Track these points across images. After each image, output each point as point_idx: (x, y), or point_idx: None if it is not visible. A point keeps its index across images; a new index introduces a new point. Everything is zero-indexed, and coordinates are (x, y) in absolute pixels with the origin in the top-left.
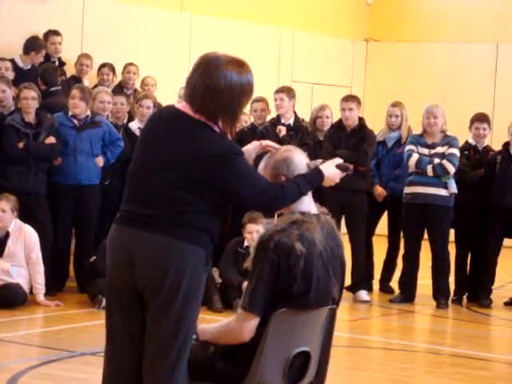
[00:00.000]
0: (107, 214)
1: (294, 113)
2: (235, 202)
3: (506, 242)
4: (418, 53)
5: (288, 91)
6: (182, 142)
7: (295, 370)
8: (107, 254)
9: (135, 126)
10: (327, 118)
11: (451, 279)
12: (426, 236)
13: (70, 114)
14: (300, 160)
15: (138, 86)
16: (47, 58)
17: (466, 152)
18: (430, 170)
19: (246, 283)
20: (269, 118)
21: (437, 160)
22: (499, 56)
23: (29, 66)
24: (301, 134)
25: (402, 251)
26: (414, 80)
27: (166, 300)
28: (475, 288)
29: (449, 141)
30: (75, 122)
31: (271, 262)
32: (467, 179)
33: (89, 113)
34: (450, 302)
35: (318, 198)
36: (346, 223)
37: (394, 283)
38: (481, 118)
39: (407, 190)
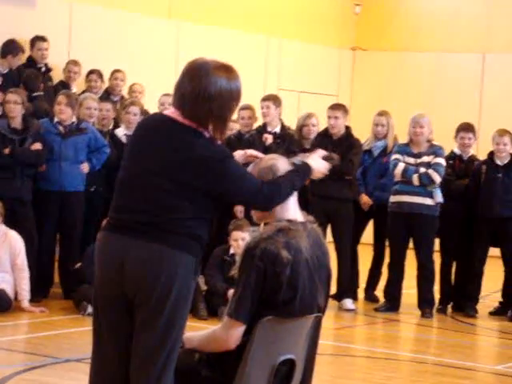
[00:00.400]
0: (92, 220)
1: (281, 121)
2: (232, 203)
3: (492, 251)
4: (404, 62)
5: (274, 99)
6: (171, 147)
7: (280, 378)
8: (96, 261)
9: (121, 132)
10: (313, 126)
11: (436, 288)
12: (411, 245)
13: (56, 120)
14: (285, 167)
15: (125, 92)
16: (32, 63)
17: (451, 161)
18: (415, 179)
19: (231, 291)
20: (255, 125)
21: (423, 169)
22: (485, 66)
23: (6, 70)
24: (287, 142)
25: (387, 260)
26: (400, 89)
27: (156, 307)
28: (460, 297)
29: (435, 150)
30: (60, 128)
31: (257, 270)
32: (452, 189)
33: (74, 119)
34: (434, 311)
35: (304, 207)
36: (332, 232)
37: (379, 292)
38: (466, 128)
39: (393, 198)
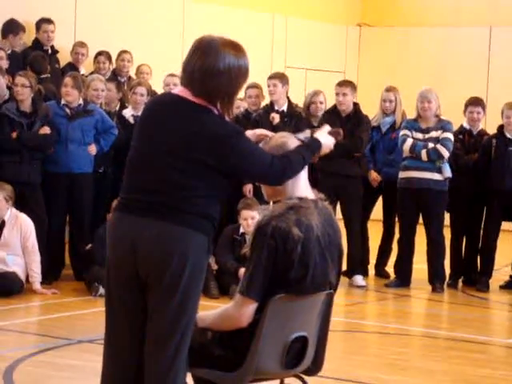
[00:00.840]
0: (101, 202)
1: (288, 99)
2: (243, 180)
3: (504, 225)
4: (411, 37)
5: (281, 77)
6: (182, 126)
7: (293, 355)
8: (108, 242)
9: (129, 113)
10: (321, 103)
11: (446, 263)
12: (421, 220)
13: (63, 102)
14: (295, 145)
15: (132, 73)
16: (38, 45)
17: (461, 136)
18: (424, 154)
19: (242, 269)
20: (263, 104)
21: (431, 144)
22: (492, 39)
23: (9, 51)
24: (295, 121)
25: (397, 236)
26: (407, 64)
27: (169, 287)
28: (471, 271)
29: (443, 125)
30: (67, 110)
31: (269, 248)
32: (461, 163)
33: (81, 101)
34: (445, 285)
35: (313, 185)
36: (341, 209)
37: (390, 268)
38: (475, 102)
39: (402, 174)
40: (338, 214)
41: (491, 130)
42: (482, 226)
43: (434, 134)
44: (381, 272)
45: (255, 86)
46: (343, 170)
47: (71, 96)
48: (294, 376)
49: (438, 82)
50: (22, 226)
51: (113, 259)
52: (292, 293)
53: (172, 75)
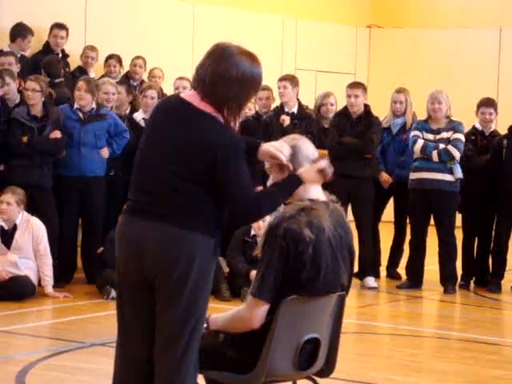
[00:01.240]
0: (113, 205)
1: (298, 100)
2: (220, 197)
3: None
4: (421, 38)
5: (291, 79)
6: (184, 131)
7: (305, 357)
8: (116, 245)
9: (139, 116)
10: (332, 105)
11: (458, 264)
12: (432, 221)
13: (76, 106)
14: (307, 147)
15: (145, 77)
16: (49, 50)
17: (473, 137)
18: (435, 155)
19: (253, 272)
20: (273, 106)
21: (442, 145)
22: (502, 40)
23: (19, 55)
24: (305, 122)
25: (408, 237)
26: (417, 66)
27: (176, 288)
28: (482, 272)
29: (454, 126)
30: (80, 114)
31: (280, 249)
32: (473, 164)
33: (94, 105)
34: (457, 287)
35: (325, 186)
36: (353, 210)
37: (401, 269)
38: (487, 103)
39: (413, 175)
40: (350, 216)
41: (502, 130)
42: (494, 227)
43: (444, 134)
44: (392, 273)
45: (265, 87)
46: (354, 171)
47: (84, 100)
48: (306, 378)
49: (448, 83)
50: (34, 229)
51: (121, 261)
52: (304, 294)
53: (181, 78)
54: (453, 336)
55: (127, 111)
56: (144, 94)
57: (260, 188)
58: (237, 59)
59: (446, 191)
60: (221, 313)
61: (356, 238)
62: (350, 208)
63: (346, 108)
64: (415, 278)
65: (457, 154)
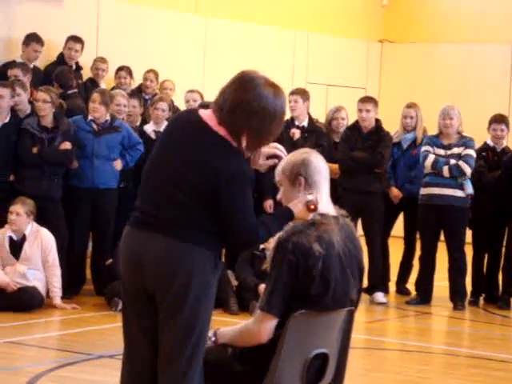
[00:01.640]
0: (123, 217)
1: (308, 114)
2: (221, 221)
3: None
4: (432, 53)
5: (302, 93)
6: (196, 151)
7: (313, 372)
8: (121, 255)
9: (150, 128)
10: (343, 119)
11: (468, 280)
12: (442, 237)
13: (90, 117)
14: (318, 161)
15: (157, 89)
16: (63, 62)
17: (484, 153)
18: (446, 170)
19: (262, 286)
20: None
21: (453, 161)
22: None
23: (31, 65)
24: (315, 136)
25: (418, 253)
26: (428, 81)
27: (176, 302)
28: (492, 289)
29: (465, 142)
30: (94, 126)
31: (289, 263)
32: (484, 181)
33: (108, 117)
34: (466, 303)
35: (335, 201)
36: (363, 225)
37: (411, 285)
38: (499, 119)
39: (423, 191)
40: (359, 231)
41: None
42: (504, 244)
43: (455, 150)
44: (402, 289)
45: None
46: (365, 186)
47: (98, 112)
48: None
49: (459, 99)
50: (43, 240)
51: (125, 273)
52: (313, 309)
53: (192, 91)
54: (461, 353)
55: (137, 123)
56: (155, 107)
57: (270, 201)
58: (260, 91)
59: (456, 207)
60: (229, 326)
61: (365, 253)
62: (359, 222)
63: (356, 122)
64: (424, 294)
65: (468, 170)
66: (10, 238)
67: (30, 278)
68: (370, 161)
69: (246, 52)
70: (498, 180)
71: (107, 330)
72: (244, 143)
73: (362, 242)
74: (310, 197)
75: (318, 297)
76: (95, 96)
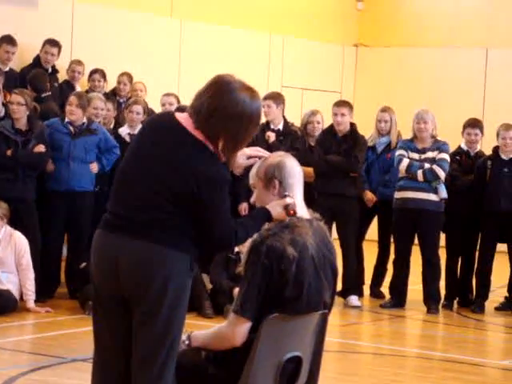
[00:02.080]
0: (98, 220)
1: (284, 117)
2: (198, 224)
3: (499, 247)
4: (407, 58)
5: (274, 98)
6: (173, 154)
7: (287, 375)
8: (92, 260)
9: (125, 131)
10: (318, 123)
11: (442, 284)
12: (416, 241)
13: (67, 120)
14: (292, 164)
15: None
16: (39, 65)
17: (458, 157)
18: (420, 174)
19: (236, 289)
20: None
21: (427, 165)
22: (489, 60)
23: (7, 68)
24: (290, 139)
25: (392, 256)
26: (403, 85)
27: (152, 307)
28: (466, 293)
29: (439, 146)
30: (70, 128)
31: (263, 267)
32: (458, 184)
33: (85, 120)
34: (440, 306)
35: (309, 204)
36: (337, 229)
37: (385, 288)
38: (473, 124)
39: (397, 195)
40: (334, 234)
41: (487, 151)
42: (478, 248)
43: (430, 154)
44: (376, 292)
45: None
46: (339, 189)
47: (75, 115)
48: None
49: (434, 103)
50: (17, 243)
51: (96, 275)
52: (286, 312)
53: (168, 95)
54: (435, 356)
55: (111, 126)
56: (130, 110)
57: (245, 205)
58: (237, 96)
59: (430, 211)
60: (202, 330)
61: (340, 256)
62: (334, 226)
63: (331, 126)
64: (398, 298)
65: (442, 174)
66: None
67: (3, 281)
68: (344, 165)
69: (221, 55)
70: (471, 184)
71: (81, 334)
72: (220, 147)
73: (337, 245)
74: (288, 200)
75: (292, 300)
76: (72, 99)
